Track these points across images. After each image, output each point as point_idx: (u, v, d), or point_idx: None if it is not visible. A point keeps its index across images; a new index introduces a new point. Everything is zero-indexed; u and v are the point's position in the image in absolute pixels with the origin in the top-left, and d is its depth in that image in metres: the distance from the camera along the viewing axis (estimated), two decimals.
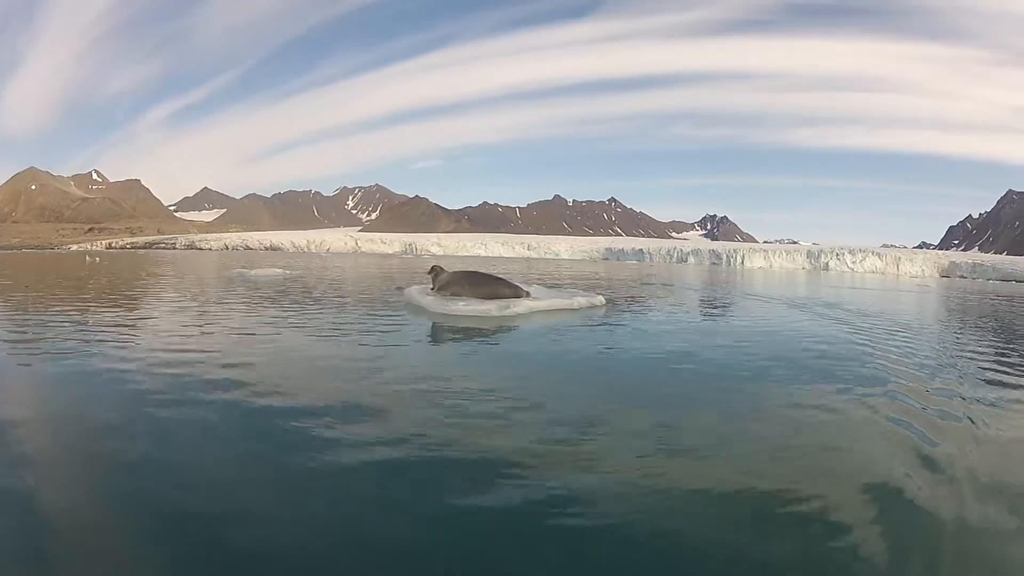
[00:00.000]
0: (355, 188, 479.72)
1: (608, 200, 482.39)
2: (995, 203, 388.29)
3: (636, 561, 2.78)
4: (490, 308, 10.86)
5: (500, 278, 12.71)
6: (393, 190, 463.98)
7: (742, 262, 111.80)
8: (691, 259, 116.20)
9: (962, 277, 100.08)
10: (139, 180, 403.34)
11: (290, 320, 10.30)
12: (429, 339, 8.95)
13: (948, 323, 15.63)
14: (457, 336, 9.24)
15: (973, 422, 5.22)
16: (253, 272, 23.02)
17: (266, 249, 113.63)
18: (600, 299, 13.37)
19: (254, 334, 8.50)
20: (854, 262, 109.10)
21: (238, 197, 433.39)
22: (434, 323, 10.38)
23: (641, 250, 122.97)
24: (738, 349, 8.70)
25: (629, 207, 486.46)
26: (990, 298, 30.83)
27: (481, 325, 10.03)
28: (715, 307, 16.95)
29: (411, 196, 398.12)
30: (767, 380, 6.48)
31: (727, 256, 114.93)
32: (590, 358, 7.50)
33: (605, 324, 10.82)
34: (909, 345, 9.70)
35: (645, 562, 2.76)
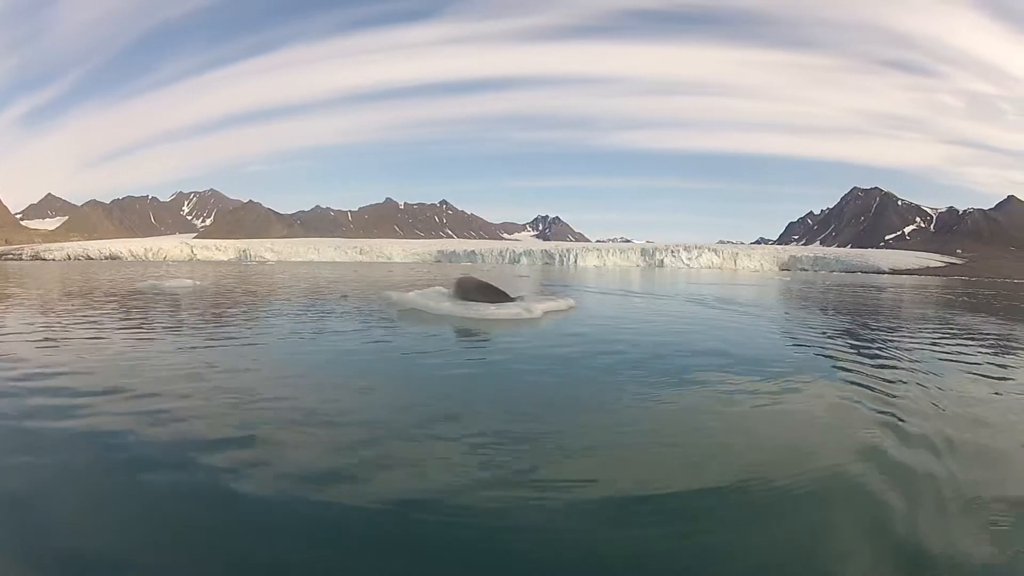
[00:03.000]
0: (191, 193, 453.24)
1: (439, 202, 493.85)
2: (838, 200, 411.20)
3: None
4: (520, 312, 12.85)
5: (493, 287, 14.66)
6: (227, 195, 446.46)
7: (575, 261, 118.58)
8: (524, 259, 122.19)
9: (803, 270, 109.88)
10: None
11: (320, 337, 10.64)
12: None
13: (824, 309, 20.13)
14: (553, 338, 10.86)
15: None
16: (168, 284, 23.01)
17: (106, 258, 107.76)
18: (572, 301, 16.01)
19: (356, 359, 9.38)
20: (690, 258, 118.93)
21: (79, 204, 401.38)
22: (479, 330, 11.80)
23: (474, 251, 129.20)
24: (685, 342, 10.78)
25: (460, 209, 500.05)
26: (845, 287, 36.32)
27: (521, 327, 11.95)
28: (634, 307, 20.54)
29: (245, 201, 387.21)
30: (705, 368, 7.91)
31: (560, 256, 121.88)
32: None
33: (590, 320, 13.96)
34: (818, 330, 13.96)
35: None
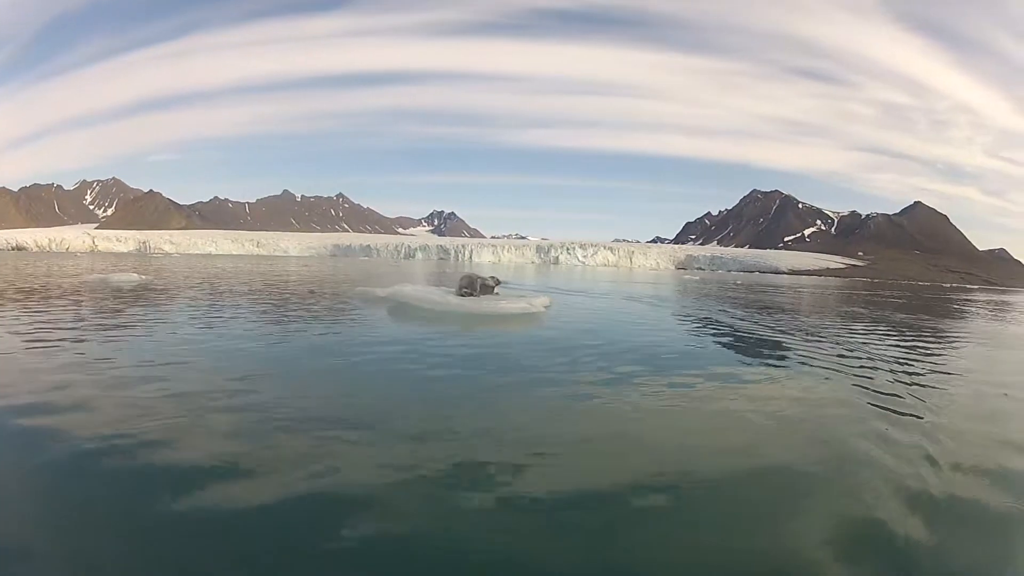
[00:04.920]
0: (94, 182, 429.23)
1: (336, 196, 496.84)
2: (737, 201, 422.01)
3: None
4: (526, 306, 13.69)
5: (472, 283, 15.31)
6: (130, 184, 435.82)
7: (471, 257, 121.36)
8: (419, 255, 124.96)
9: (700, 269, 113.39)
10: None
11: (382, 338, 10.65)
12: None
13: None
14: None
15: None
16: (116, 278, 22.14)
17: (12, 249, 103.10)
18: (550, 299, 16.87)
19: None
20: (585, 256, 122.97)
21: None
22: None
23: (369, 246, 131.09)
24: (657, 334, 13.24)
25: (357, 203, 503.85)
26: (754, 286, 38.89)
27: (527, 320, 12.84)
28: (595, 305, 22.60)
29: (146, 191, 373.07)
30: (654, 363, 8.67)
31: (455, 251, 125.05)
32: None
33: (576, 314, 15.44)
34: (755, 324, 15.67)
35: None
